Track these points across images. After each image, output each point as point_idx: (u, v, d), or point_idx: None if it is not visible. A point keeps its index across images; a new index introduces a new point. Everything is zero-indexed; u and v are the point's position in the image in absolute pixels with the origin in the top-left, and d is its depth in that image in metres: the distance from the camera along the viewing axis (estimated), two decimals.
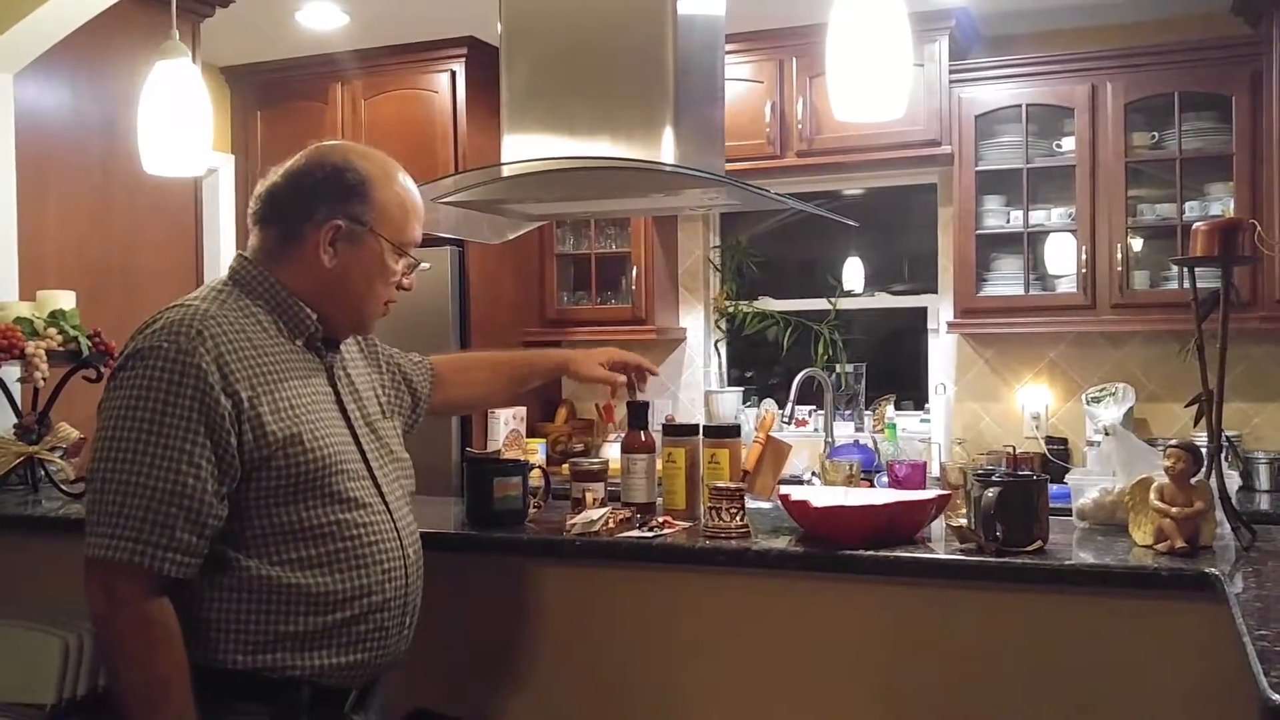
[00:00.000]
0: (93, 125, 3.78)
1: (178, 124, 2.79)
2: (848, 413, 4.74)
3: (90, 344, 2.97)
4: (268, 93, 5.04)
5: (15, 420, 2.90)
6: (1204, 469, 1.99)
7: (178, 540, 1.57)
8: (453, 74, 4.70)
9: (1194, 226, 2.10)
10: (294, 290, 1.75)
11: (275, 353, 1.71)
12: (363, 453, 1.78)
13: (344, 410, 1.79)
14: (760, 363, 5.23)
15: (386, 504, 1.77)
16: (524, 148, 2.62)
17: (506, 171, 2.57)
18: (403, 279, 1.82)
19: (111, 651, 1.63)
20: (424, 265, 1.87)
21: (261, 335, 1.71)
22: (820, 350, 4.79)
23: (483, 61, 4.62)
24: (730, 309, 4.98)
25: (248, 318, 1.71)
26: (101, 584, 1.59)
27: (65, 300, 3.00)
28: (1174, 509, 1.93)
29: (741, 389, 4.85)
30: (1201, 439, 2.15)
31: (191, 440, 1.58)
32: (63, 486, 2.82)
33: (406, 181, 1.84)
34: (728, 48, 2.89)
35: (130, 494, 1.56)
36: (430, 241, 4.18)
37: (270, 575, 1.64)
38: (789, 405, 4.21)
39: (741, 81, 4.43)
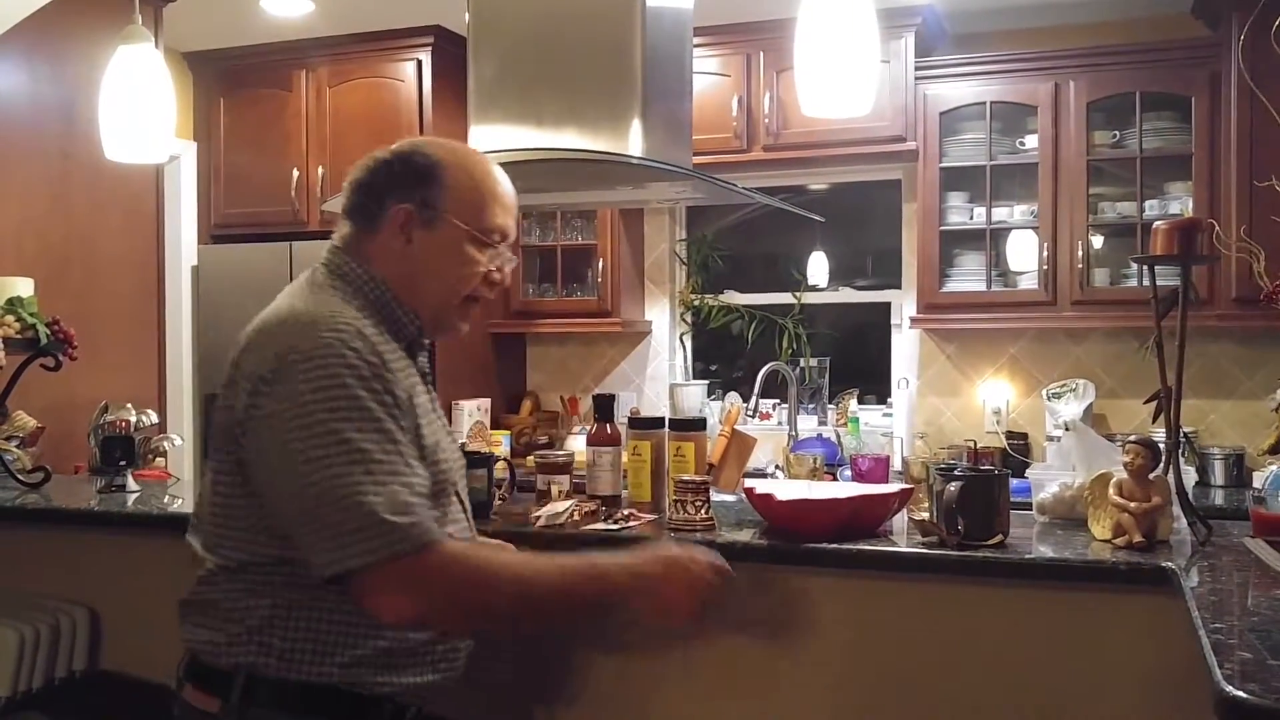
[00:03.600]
0: (52, 110, 3.73)
1: (140, 110, 2.75)
2: (811, 407, 4.76)
3: (49, 331, 2.93)
4: (231, 79, 4.99)
5: None
6: (1162, 465, 2.02)
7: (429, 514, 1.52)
8: (419, 63, 4.67)
9: (1154, 225, 2.12)
10: (394, 288, 1.68)
11: (399, 356, 1.64)
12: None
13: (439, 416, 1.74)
14: (725, 356, 5.24)
15: (469, 520, 1.77)
16: (491, 138, 2.61)
17: None
18: (492, 273, 1.72)
19: (474, 615, 1.59)
20: (511, 260, 1.76)
21: (381, 338, 1.62)
22: (784, 344, 4.81)
23: (449, 51, 4.60)
24: (695, 302, 4.99)
25: (367, 320, 1.63)
26: (400, 584, 1.49)
27: (23, 287, 2.96)
28: (1132, 504, 1.95)
29: (706, 382, 4.87)
30: (1160, 435, 2.18)
31: (391, 423, 1.52)
32: (19, 476, 2.79)
33: (489, 166, 1.74)
34: (695, 41, 2.89)
35: (377, 487, 1.47)
36: None
37: None
38: (753, 399, 4.23)
39: (708, 75, 4.43)
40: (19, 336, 2.88)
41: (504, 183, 1.75)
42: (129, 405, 3.21)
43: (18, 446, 2.87)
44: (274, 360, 1.52)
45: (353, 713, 1.59)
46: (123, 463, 2.79)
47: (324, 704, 1.59)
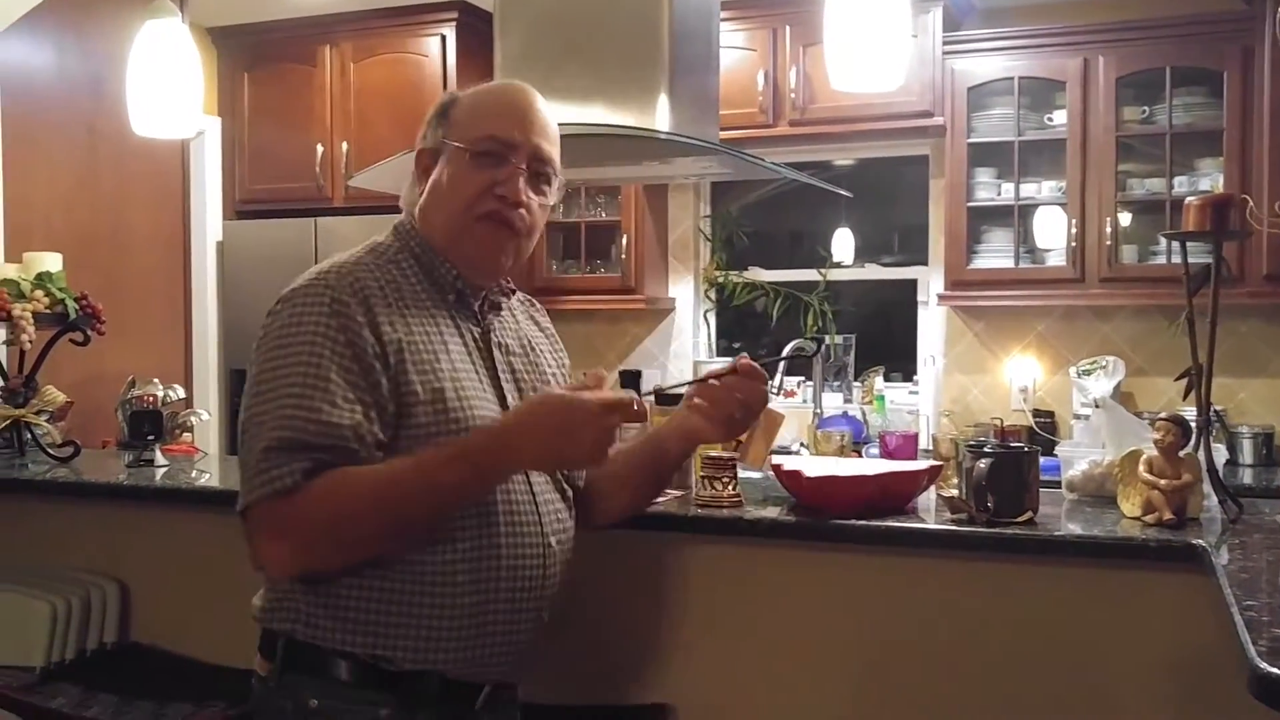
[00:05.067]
0: (79, 85, 3.75)
1: (167, 85, 2.76)
2: (836, 384, 4.75)
3: (77, 306, 2.95)
4: (255, 54, 4.99)
5: (2, 383, 2.88)
6: (1192, 442, 2.00)
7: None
8: (443, 38, 4.66)
9: (1186, 201, 2.10)
10: (428, 236, 1.65)
11: (423, 308, 1.60)
12: None
13: (496, 380, 1.67)
14: (749, 334, 5.23)
15: (531, 486, 1.64)
16: None
17: None
18: (496, 187, 1.61)
19: (348, 547, 1.49)
20: (522, 172, 1.62)
21: (411, 290, 1.61)
22: (809, 321, 4.79)
23: (473, 26, 4.59)
24: (720, 279, 4.97)
25: (400, 273, 1.62)
26: (271, 528, 1.47)
27: (52, 262, 2.98)
28: (1162, 481, 1.94)
29: (730, 360, 4.85)
30: (1189, 413, 2.16)
31: (331, 366, 1.48)
32: (49, 450, 2.81)
33: (503, 85, 1.70)
34: (721, 15, 2.87)
35: (280, 423, 1.46)
36: None
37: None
38: (777, 376, 4.22)
39: (735, 49, 4.41)
40: (48, 311, 2.90)
41: (512, 94, 1.68)
42: (156, 380, 3.23)
43: (47, 420, 2.89)
44: (274, 304, 1.56)
45: (380, 684, 1.55)
46: (151, 437, 2.81)
47: (354, 674, 1.55)
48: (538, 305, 1.92)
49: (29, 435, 2.87)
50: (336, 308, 1.51)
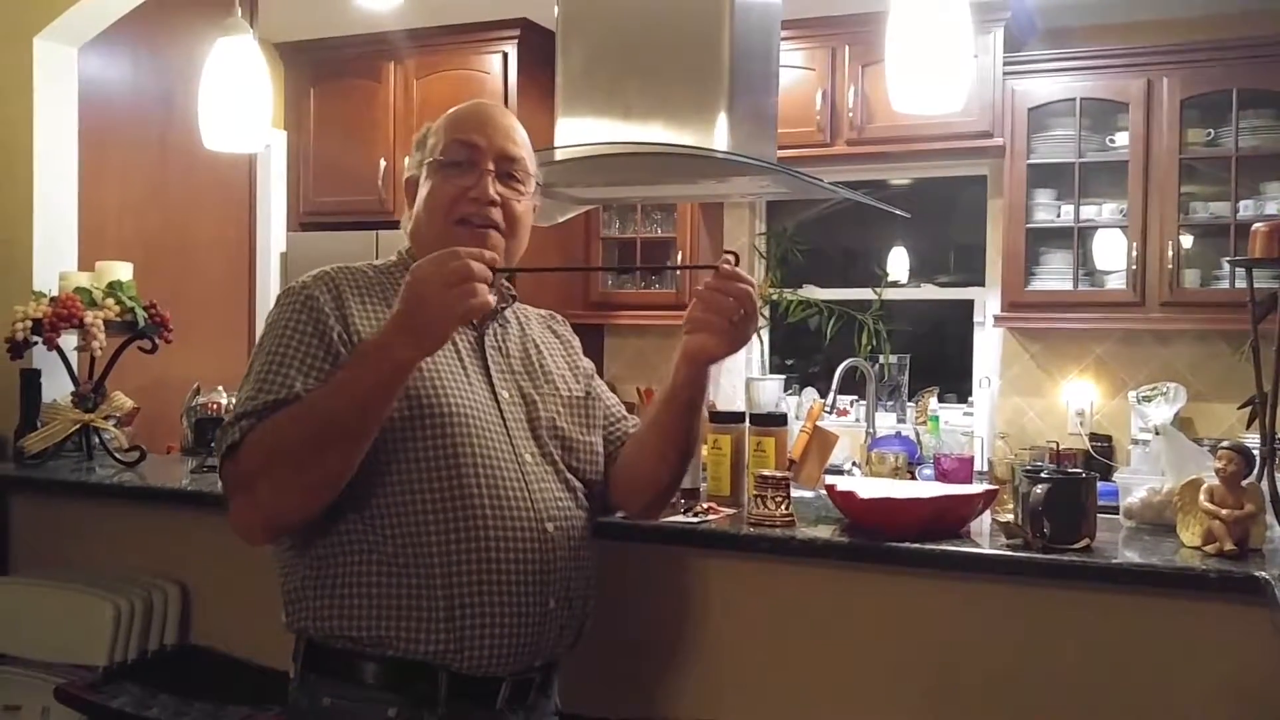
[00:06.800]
0: (152, 99, 3.84)
1: (239, 101, 2.82)
2: (890, 404, 4.72)
3: (146, 315, 3.02)
4: (321, 70, 5.09)
5: (73, 388, 2.95)
6: (1255, 471, 1.97)
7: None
8: (505, 55, 4.72)
9: (1254, 227, 2.07)
10: (420, 254, 1.65)
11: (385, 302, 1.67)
12: (503, 419, 1.68)
13: (489, 376, 1.71)
14: (802, 351, 5.22)
15: (522, 469, 1.66)
16: (577, 131, 2.63)
17: (560, 155, 2.58)
18: (469, 191, 1.69)
19: (290, 482, 1.51)
20: (490, 173, 1.69)
21: (364, 285, 1.70)
22: (864, 340, 4.78)
23: (535, 43, 4.64)
24: (774, 296, 4.97)
25: (391, 281, 1.69)
26: (225, 489, 1.59)
27: (123, 271, 3.04)
28: (1224, 511, 1.91)
29: (783, 377, 4.84)
30: (1252, 441, 2.13)
31: (295, 351, 1.56)
32: (116, 454, 2.87)
33: (467, 102, 1.82)
34: (781, 35, 2.88)
35: (241, 404, 1.56)
36: None
37: (379, 526, 1.57)
38: (830, 395, 4.21)
39: (793, 69, 4.42)
40: (118, 319, 2.96)
41: (473, 105, 1.80)
42: (220, 388, 3.28)
43: (115, 426, 2.95)
44: None
45: (390, 684, 1.57)
46: (214, 444, 2.86)
47: (365, 674, 1.58)
48: (559, 318, 1.99)
49: (97, 440, 2.93)
50: (309, 303, 1.61)
